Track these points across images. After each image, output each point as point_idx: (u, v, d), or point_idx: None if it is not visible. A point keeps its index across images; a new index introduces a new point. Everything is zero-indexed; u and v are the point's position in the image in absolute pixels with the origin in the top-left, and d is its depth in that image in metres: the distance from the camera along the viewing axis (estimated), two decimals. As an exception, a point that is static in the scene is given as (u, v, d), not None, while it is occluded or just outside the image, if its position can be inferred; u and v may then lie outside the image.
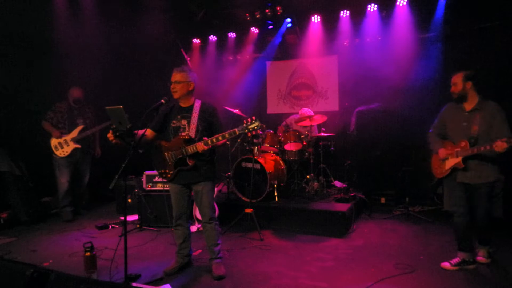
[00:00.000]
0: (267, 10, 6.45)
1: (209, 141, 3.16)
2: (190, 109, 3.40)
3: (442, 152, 3.47)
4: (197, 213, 4.71)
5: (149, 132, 3.38)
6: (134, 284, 3.21)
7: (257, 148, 5.28)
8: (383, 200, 5.88)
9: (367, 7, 6.14)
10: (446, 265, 3.46)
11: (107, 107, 2.91)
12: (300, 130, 5.81)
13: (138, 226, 4.95)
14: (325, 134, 5.82)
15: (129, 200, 5.31)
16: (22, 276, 2.00)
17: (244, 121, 3.07)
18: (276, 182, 5.26)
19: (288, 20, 6.74)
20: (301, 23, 6.77)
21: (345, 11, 6.35)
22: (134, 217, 5.17)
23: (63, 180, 5.38)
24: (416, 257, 3.76)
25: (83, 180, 5.70)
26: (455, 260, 3.47)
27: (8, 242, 4.51)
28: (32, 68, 5.80)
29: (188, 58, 7.53)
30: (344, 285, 3.21)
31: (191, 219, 3.87)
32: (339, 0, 6.29)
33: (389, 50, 6.21)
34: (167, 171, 3.39)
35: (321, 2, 6.34)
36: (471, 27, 5.64)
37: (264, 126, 5.30)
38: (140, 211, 5.02)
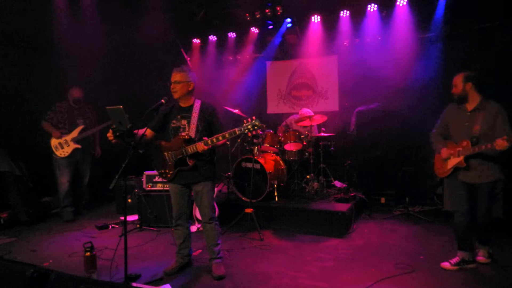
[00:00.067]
0: (267, 10, 6.45)
1: (209, 141, 3.16)
2: (190, 109, 3.40)
3: (444, 151, 3.48)
4: (197, 213, 4.71)
5: (148, 132, 3.38)
6: (134, 284, 3.21)
7: (257, 148, 5.27)
8: (383, 200, 5.88)
9: (367, 7, 6.14)
10: (446, 265, 3.46)
11: (107, 107, 2.91)
12: (300, 130, 5.81)
13: (138, 226, 4.95)
14: (325, 134, 5.82)
15: (129, 200, 5.31)
16: (22, 276, 2.00)
17: (244, 121, 3.07)
18: (276, 182, 5.27)
19: (288, 20, 6.74)
20: (301, 23, 6.77)
21: (345, 11, 6.35)
22: (134, 217, 5.17)
23: (64, 181, 5.38)
24: (416, 257, 3.76)
25: (83, 180, 5.70)
26: (455, 260, 3.47)
27: (8, 242, 4.51)
28: (32, 68, 5.79)
29: (188, 58, 7.53)
30: (344, 285, 3.21)
31: (191, 219, 3.87)
32: (339, 0, 6.29)
33: (389, 50, 6.20)
34: (167, 171, 3.39)
35: (321, 2, 6.34)
36: (471, 27, 5.64)
37: (264, 126, 5.30)
38: (140, 211, 5.02)
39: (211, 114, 3.43)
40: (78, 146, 5.37)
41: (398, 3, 5.96)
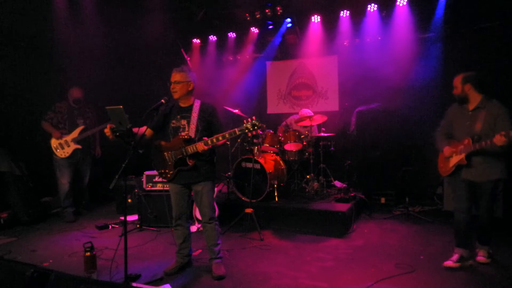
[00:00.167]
0: (267, 10, 6.45)
1: (209, 141, 3.16)
2: (189, 109, 3.40)
3: (446, 150, 3.53)
4: (197, 213, 4.71)
5: (148, 131, 3.37)
6: (134, 284, 3.21)
7: (257, 148, 5.27)
8: (383, 200, 5.88)
9: (367, 7, 6.14)
10: (449, 263, 3.48)
11: (107, 107, 2.91)
12: (300, 130, 5.81)
13: (138, 226, 4.95)
14: (325, 134, 5.82)
15: (129, 200, 5.31)
16: (22, 276, 2.00)
17: (244, 121, 3.07)
18: (276, 182, 5.26)
19: (288, 20, 6.75)
20: (301, 23, 6.77)
21: (345, 11, 6.35)
22: (134, 217, 5.17)
23: (64, 181, 5.38)
24: (416, 257, 3.76)
25: (83, 180, 5.70)
26: (455, 257, 3.50)
27: (8, 242, 4.51)
28: (32, 68, 5.79)
29: (188, 58, 7.53)
30: (344, 285, 3.21)
31: (191, 219, 3.87)
32: (339, 0, 6.30)
33: (389, 50, 6.21)
34: (167, 171, 3.38)
35: (321, 2, 6.34)
36: (471, 27, 5.64)
37: (264, 126, 5.30)
38: (140, 211, 5.02)
39: (211, 114, 3.43)
40: (79, 146, 5.36)
41: (398, 3, 5.96)
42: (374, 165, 5.98)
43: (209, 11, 6.62)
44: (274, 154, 5.60)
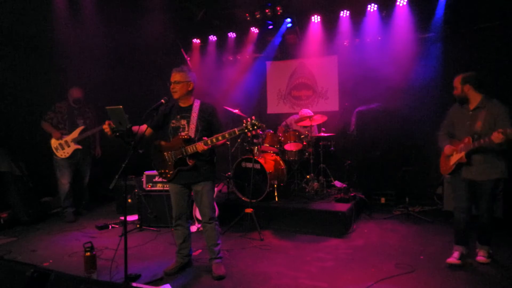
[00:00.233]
0: (267, 10, 6.45)
1: (209, 141, 3.16)
2: (189, 109, 3.40)
3: (447, 148, 3.56)
4: (197, 213, 4.71)
5: (147, 131, 3.37)
6: (134, 284, 3.21)
7: (257, 148, 5.27)
8: (383, 200, 5.88)
9: (367, 7, 6.14)
10: (451, 260, 3.49)
11: (107, 107, 2.92)
12: (300, 130, 5.81)
13: (138, 226, 4.95)
14: (325, 134, 5.82)
15: (129, 200, 5.31)
16: (22, 276, 2.00)
17: (244, 121, 3.07)
18: (276, 182, 5.27)
19: (288, 20, 6.75)
20: (301, 23, 6.77)
21: (345, 11, 6.35)
22: (134, 217, 5.17)
23: (64, 182, 5.37)
24: (416, 257, 3.76)
25: (83, 180, 5.70)
26: (456, 254, 3.52)
27: (8, 242, 4.51)
28: (32, 68, 5.79)
29: (188, 58, 7.53)
30: (344, 285, 3.21)
31: (191, 219, 3.87)
32: (339, 0, 6.29)
33: (389, 50, 6.21)
34: (167, 171, 3.38)
35: (321, 2, 6.34)
36: (471, 27, 5.64)
37: (264, 126, 5.28)
38: (140, 211, 5.02)
39: (211, 114, 3.43)
40: (79, 146, 5.36)
41: (398, 3, 5.96)
42: (374, 165, 5.98)
43: (209, 11, 6.62)
44: (274, 154, 5.60)
